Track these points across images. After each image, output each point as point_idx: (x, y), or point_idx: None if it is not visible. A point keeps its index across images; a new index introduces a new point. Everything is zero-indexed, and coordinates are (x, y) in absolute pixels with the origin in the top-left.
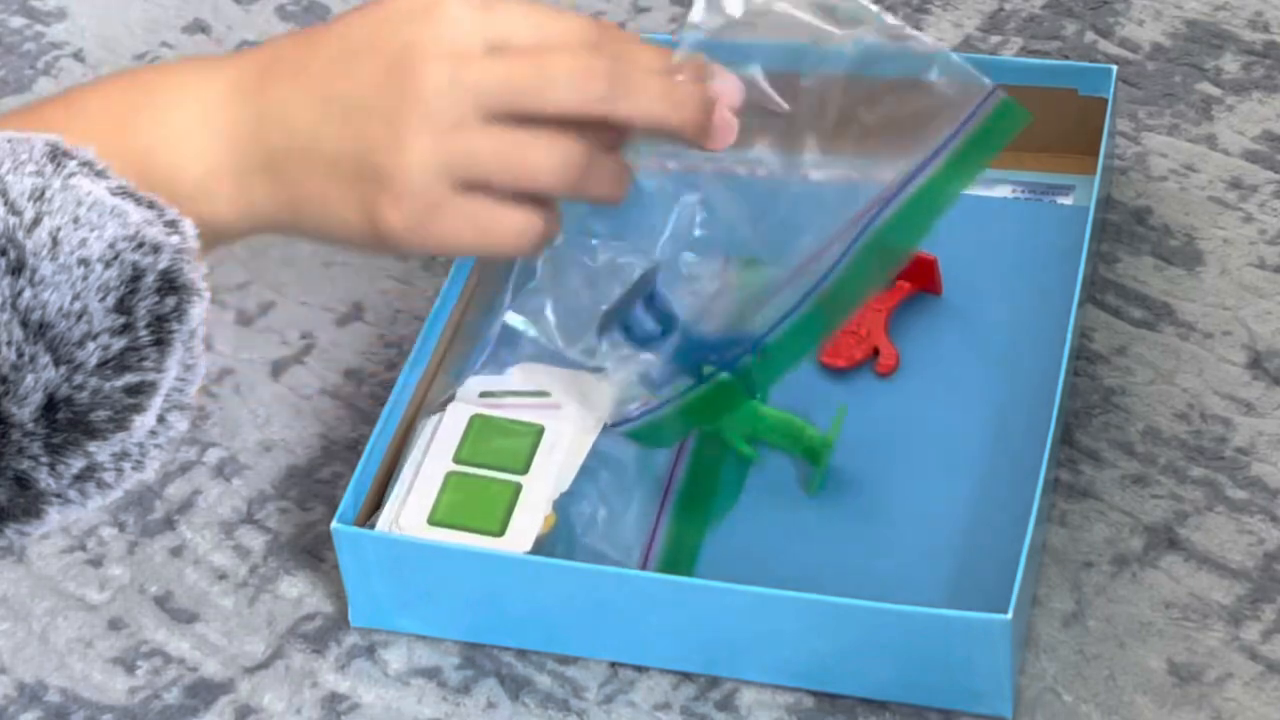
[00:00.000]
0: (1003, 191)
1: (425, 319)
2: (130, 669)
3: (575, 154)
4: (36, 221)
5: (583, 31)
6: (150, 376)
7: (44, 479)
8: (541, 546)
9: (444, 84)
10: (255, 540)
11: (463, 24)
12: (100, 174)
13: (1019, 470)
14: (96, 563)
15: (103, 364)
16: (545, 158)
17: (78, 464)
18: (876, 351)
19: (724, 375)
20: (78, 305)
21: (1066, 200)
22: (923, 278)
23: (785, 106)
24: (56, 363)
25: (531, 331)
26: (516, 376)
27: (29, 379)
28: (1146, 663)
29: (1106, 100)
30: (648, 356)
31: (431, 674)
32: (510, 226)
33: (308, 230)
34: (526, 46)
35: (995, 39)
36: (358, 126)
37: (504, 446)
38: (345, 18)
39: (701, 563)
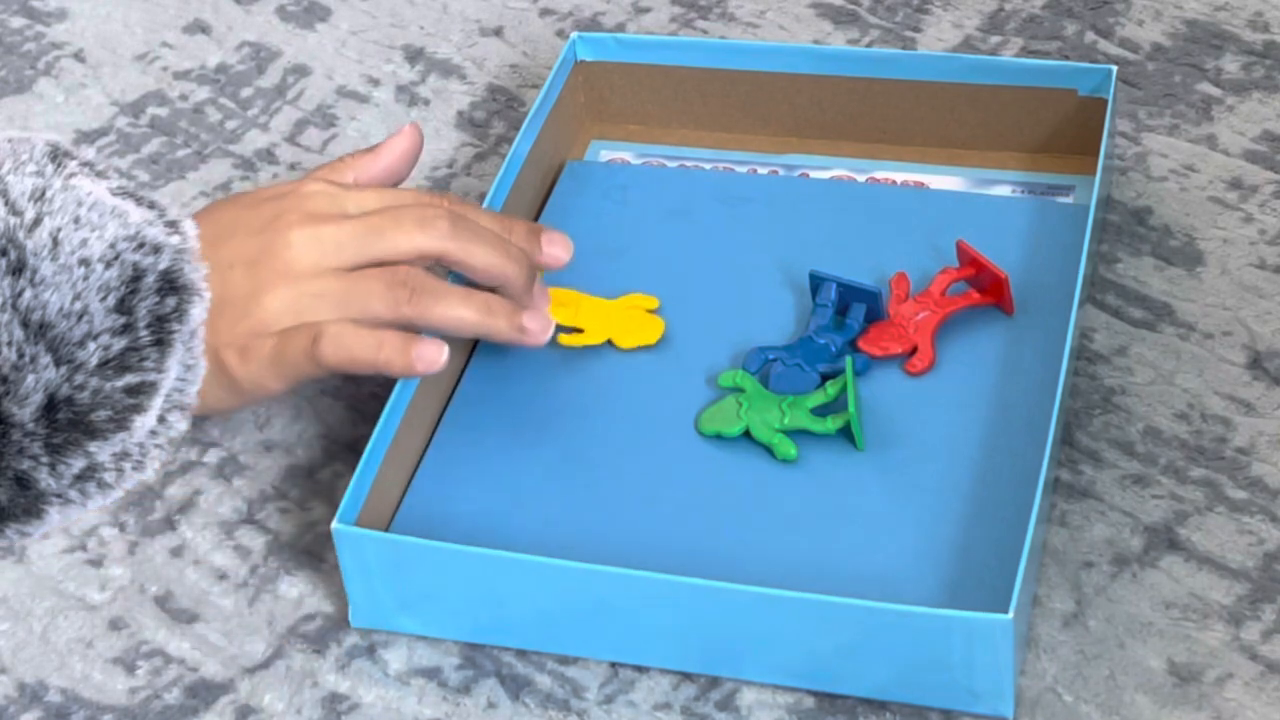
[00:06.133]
0: (1003, 191)
1: None
2: (130, 669)
3: (404, 283)
4: (37, 222)
5: (428, 197)
6: (151, 377)
7: (44, 479)
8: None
9: (303, 240)
10: (255, 540)
11: (320, 198)
12: (101, 174)
13: (1019, 470)
14: (96, 563)
15: (103, 364)
16: (378, 289)
17: (78, 464)
18: (914, 349)
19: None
20: (78, 305)
21: (1066, 200)
22: (994, 293)
23: None
24: (57, 363)
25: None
26: None
27: (29, 379)
28: (1146, 663)
29: (1106, 100)
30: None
31: (431, 674)
32: (365, 343)
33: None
34: (377, 210)
35: (995, 39)
36: (237, 283)
37: None
38: (235, 198)
39: (704, 563)
